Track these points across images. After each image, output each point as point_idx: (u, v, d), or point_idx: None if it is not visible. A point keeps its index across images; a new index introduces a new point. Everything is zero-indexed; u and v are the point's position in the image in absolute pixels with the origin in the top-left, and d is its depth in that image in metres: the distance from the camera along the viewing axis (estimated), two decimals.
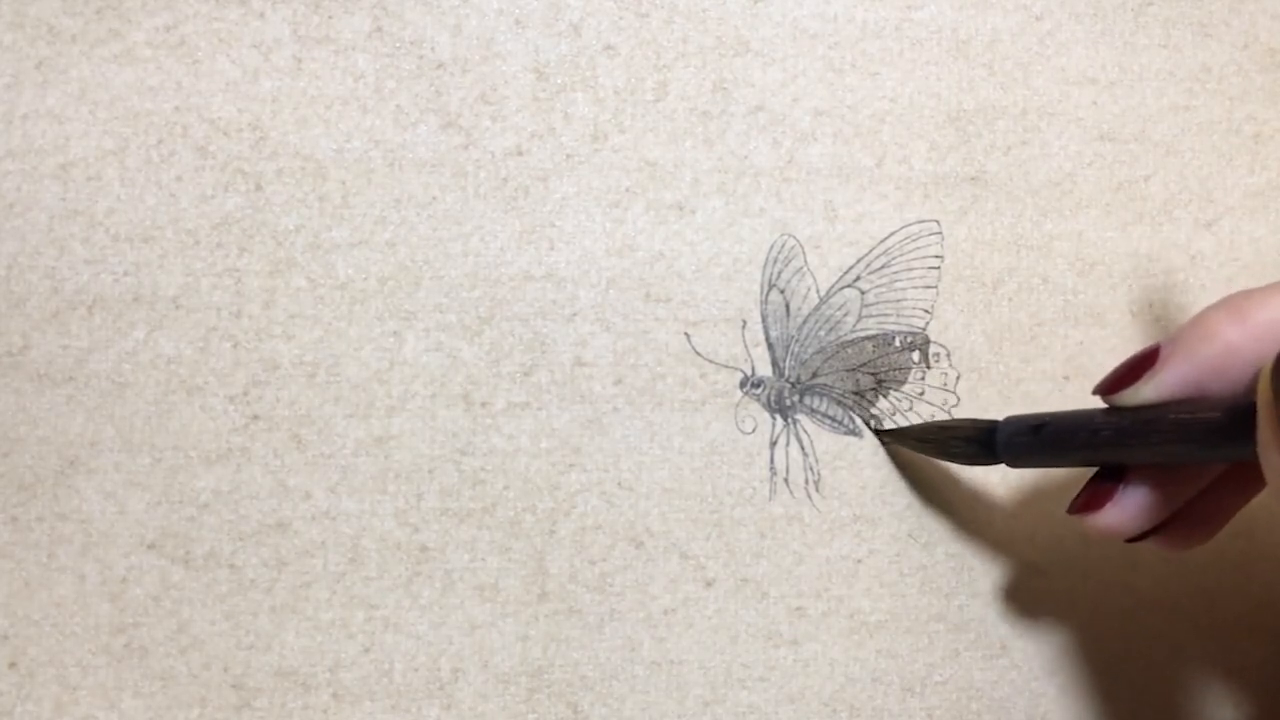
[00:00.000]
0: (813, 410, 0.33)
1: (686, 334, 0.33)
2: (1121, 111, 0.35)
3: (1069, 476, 0.34)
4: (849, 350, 0.34)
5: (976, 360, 0.34)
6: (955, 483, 0.34)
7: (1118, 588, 0.34)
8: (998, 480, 0.34)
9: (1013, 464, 0.30)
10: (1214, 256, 0.35)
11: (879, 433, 0.33)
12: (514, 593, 0.32)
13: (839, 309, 0.34)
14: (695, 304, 0.33)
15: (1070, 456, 0.28)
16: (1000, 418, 0.30)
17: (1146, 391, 0.26)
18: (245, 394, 0.31)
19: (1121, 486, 0.27)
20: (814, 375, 0.33)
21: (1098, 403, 0.28)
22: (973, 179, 0.34)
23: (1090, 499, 0.28)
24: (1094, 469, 0.28)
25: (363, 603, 0.31)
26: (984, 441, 0.30)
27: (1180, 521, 0.28)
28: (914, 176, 0.34)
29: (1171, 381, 0.25)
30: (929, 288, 0.34)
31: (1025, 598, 0.34)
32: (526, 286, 0.32)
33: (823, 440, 0.33)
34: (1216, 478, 0.28)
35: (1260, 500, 0.29)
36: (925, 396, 0.34)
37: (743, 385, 0.33)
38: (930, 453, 0.32)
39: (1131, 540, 0.28)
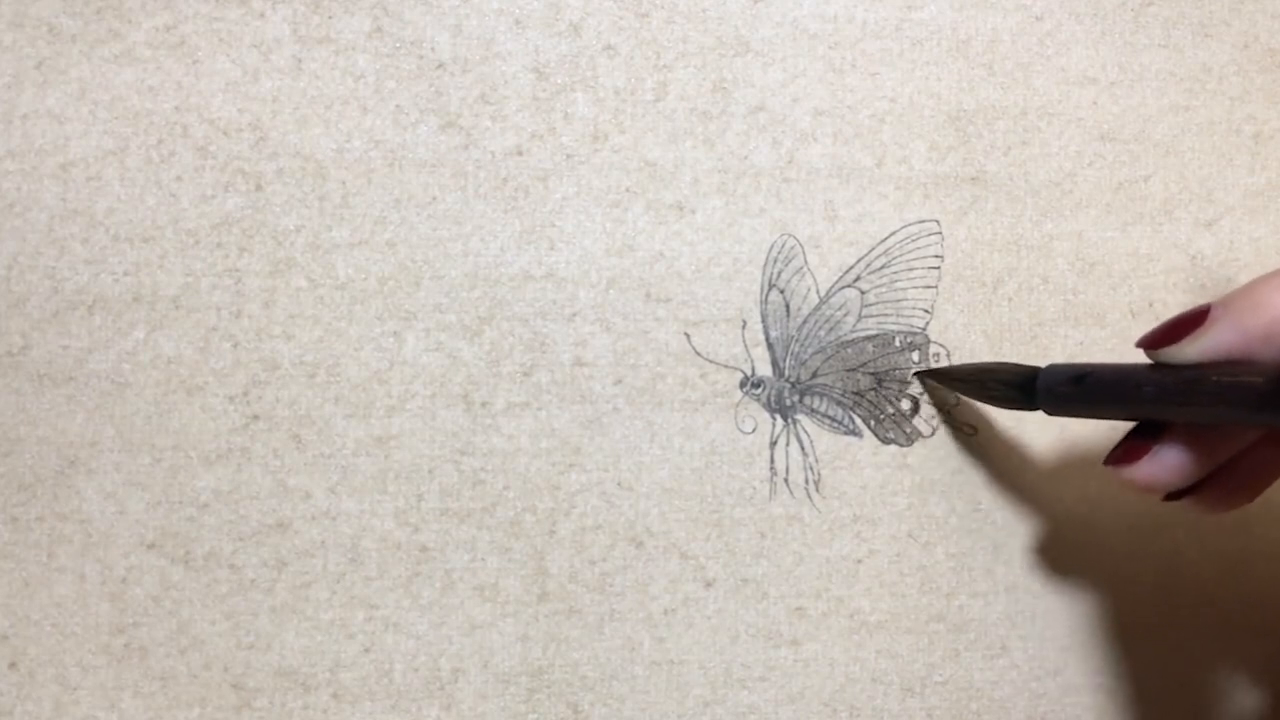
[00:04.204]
0: (813, 410, 0.33)
1: (686, 334, 0.33)
2: (1121, 111, 0.35)
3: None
4: (849, 350, 0.34)
5: (976, 360, 0.34)
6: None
7: (1118, 585, 0.34)
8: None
9: (1051, 412, 0.29)
10: (1214, 256, 0.35)
11: (920, 373, 0.33)
12: (514, 593, 0.32)
13: (839, 309, 0.34)
14: (695, 304, 0.33)
15: (1109, 409, 0.28)
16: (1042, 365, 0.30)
17: (1191, 351, 0.26)
18: (245, 394, 0.31)
19: (1159, 443, 0.27)
20: (814, 375, 0.33)
21: (1140, 356, 0.28)
22: (973, 179, 0.34)
23: (1127, 452, 0.28)
24: (1130, 423, 0.28)
25: (363, 603, 0.31)
26: (1024, 387, 0.30)
27: (1217, 483, 0.28)
28: (914, 176, 0.34)
29: (1217, 344, 0.25)
30: (929, 288, 0.34)
31: (1025, 598, 0.34)
32: (526, 286, 0.32)
33: (823, 440, 0.33)
34: (1255, 441, 0.28)
35: (1264, 496, 0.29)
36: (925, 397, 0.34)
37: (743, 385, 0.33)
38: (970, 393, 0.32)
39: (1168, 498, 0.28)
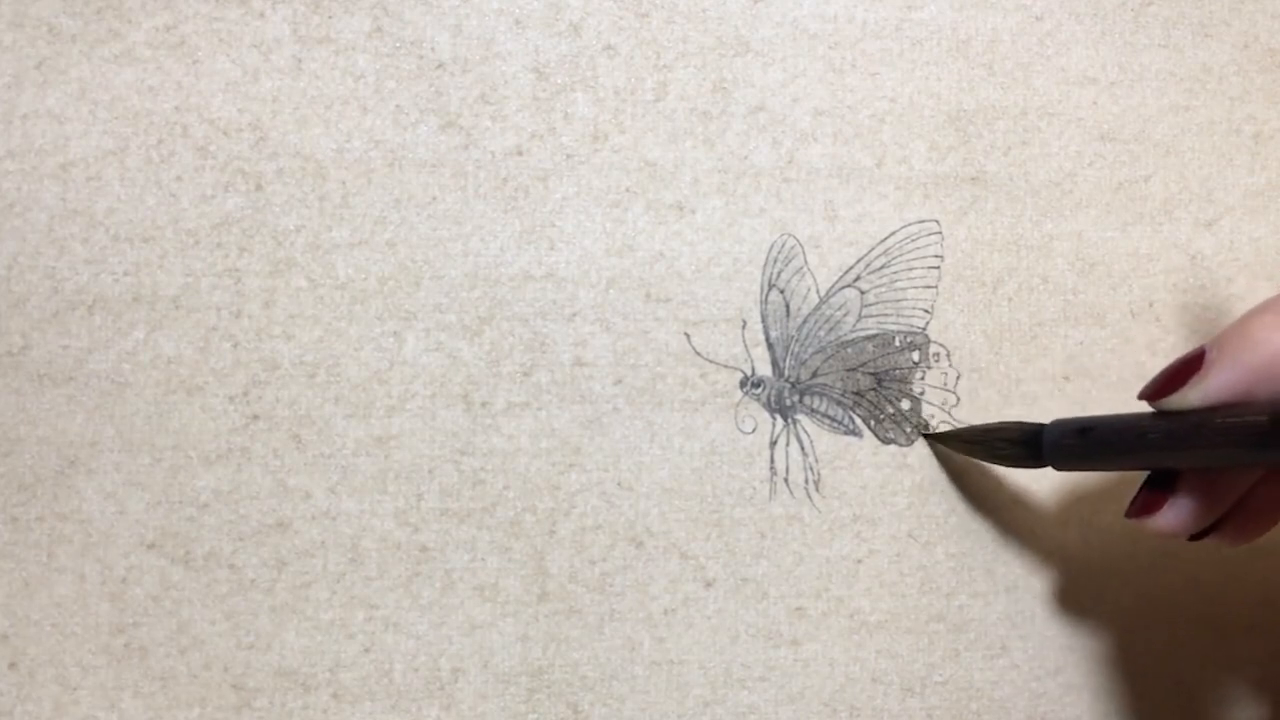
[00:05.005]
0: (813, 410, 0.33)
1: (686, 334, 0.33)
2: (1121, 111, 0.35)
3: (1075, 484, 0.34)
4: (849, 350, 0.34)
5: (976, 360, 0.34)
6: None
7: (1118, 586, 0.34)
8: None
9: (1059, 467, 0.30)
10: (1214, 256, 0.35)
11: (926, 436, 0.33)
12: (514, 593, 0.32)
13: (839, 309, 0.34)
14: (695, 304, 0.33)
15: (1117, 460, 0.28)
16: (1046, 420, 0.30)
17: (1193, 397, 0.26)
18: (245, 394, 0.31)
19: (1174, 491, 0.27)
20: (814, 375, 0.33)
21: (1137, 405, 0.28)
22: (973, 179, 0.34)
23: (1145, 504, 0.28)
24: (1141, 472, 0.29)
25: (363, 603, 0.31)
26: (1030, 444, 0.30)
27: (1237, 516, 0.28)
28: (914, 176, 0.34)
29: (1218, 387, 0.25)
30: (929, 288, 0.34)
31: (1025, 598, 0.34)
32: (526, 286, 0.32)
33: (823, 440, 0.33)
34: (1265, 475, 0.28)
35: None
36: (925, 396, 0.34)
37: (743, 385, 0.33)
38: (976, 455, 0.32)
39: (1193, 538, 0.29)
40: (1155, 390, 0.27)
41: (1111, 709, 0.34)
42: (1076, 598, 0.34)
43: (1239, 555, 0.35)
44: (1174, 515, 0.27)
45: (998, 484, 0.34)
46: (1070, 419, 0.29)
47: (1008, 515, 0.34)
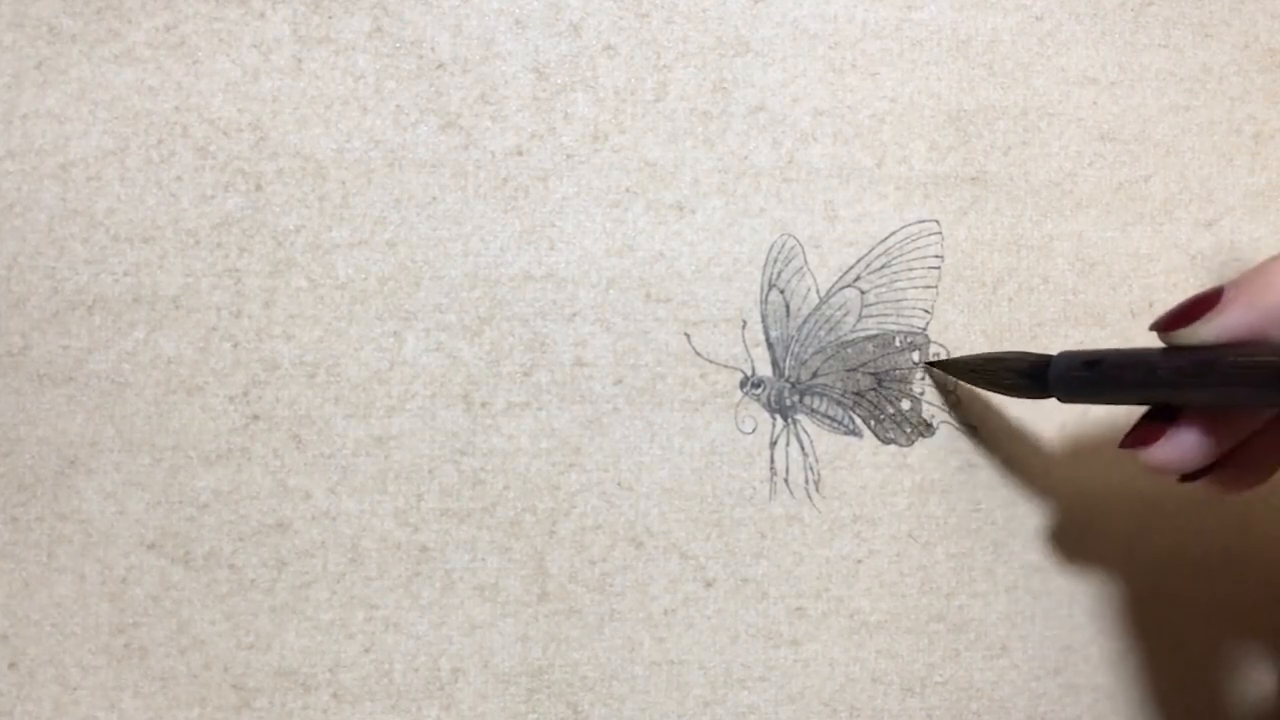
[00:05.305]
0: (813, 410, 0.33)
1: (686, 334, 0.33)
2: (1121, 111, 0.35)
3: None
4: (849, 350, 0.34)
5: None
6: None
7: (1120, 586, 0.34)
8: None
9: (1064, 399, 0.29)
10: (1214, 256, 0.35)
11: (929, 364, 0.33)
12: (514, 593, 0.32)
13: (839, 309, 0.34)
14: (695, 304, 0.33)
15: (1124, 394, 0.28)
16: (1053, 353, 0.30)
17: (1206, 332, 0.26)
18: (245, 394, 0.31)
19: (1175, 425, 0.27)
20: (814, 375, 0.33)
21: (1154, 340, 0.27)
22: (973, 179, 0.34)
23: (1143, 434, 0.28)
24: (1145, 407, 0.28)
25: (363, 603, 0.31)
26: (1036, 375, 0.30)
27: (1233, 463, 0.28)
28: (914, 176, 0.34)
29: (1232, 324, 0.25)
30: (929, 288, 0.34)
31: (1025, 598, 0.34)
32: (526, 286, 0.32)
33: (823, 440, 0.33)
34: (1270, 420, 0.28)
35: (1270, 487, 0.29)
36: (925, 396, 0.34)
37: (743, 385, 0.33)
38: (980, 384, 0.32)
39: (1184, 479, 0.28)
40: (1168, 322, 0.27)
41: (1112, 709, 0.34)
42: (1078, 598, 0.34)
43: (1243, 552, 0.35)
44: (1172, 448, 0.27)
45: (998, 483, 0.34)
46: (1078, 350, 0.29)
47: (1008, 514, 0.34)
